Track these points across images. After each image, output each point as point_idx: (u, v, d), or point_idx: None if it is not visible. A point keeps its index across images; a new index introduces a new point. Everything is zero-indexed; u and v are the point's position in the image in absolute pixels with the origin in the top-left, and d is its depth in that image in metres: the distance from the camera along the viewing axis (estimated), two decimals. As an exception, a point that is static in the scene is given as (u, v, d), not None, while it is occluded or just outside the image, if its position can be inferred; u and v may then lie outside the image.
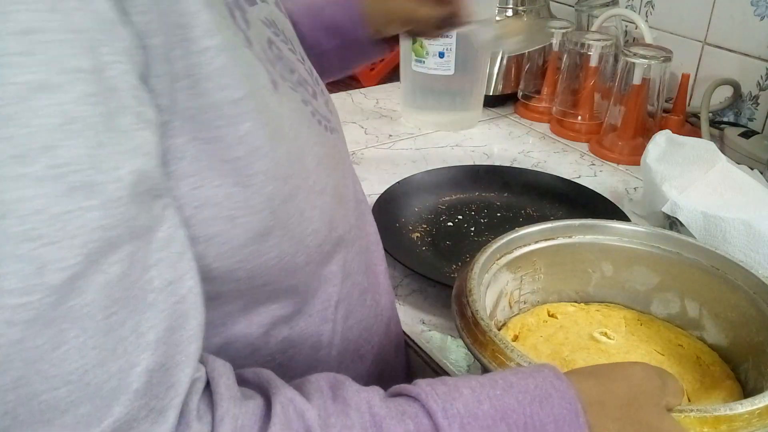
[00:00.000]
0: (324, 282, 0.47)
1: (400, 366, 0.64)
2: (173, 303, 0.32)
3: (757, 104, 1.10)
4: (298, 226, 0.41)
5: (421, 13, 0.71)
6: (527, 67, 1.26)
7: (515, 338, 0.63)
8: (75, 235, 0.28)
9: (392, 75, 1.46)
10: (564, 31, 1.20)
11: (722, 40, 1.12)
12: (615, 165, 1.09)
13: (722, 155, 0.85)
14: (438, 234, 0.87)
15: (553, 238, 0.65)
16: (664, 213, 0.79)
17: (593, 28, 1.20)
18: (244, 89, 0.36)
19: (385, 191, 0.91)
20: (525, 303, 0.67)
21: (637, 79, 1.05)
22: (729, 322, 0.61)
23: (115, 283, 0.29)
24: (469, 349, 0.52)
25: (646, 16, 1.21)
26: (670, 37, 1.17)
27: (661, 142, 0.88)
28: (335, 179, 0.46)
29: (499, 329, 0.62)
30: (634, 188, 1.02)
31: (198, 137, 0.34)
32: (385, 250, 0.61)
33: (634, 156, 1.07)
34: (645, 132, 1.09)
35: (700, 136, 1.04)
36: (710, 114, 1.10)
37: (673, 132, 0.91)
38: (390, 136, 1.18)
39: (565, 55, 1.18)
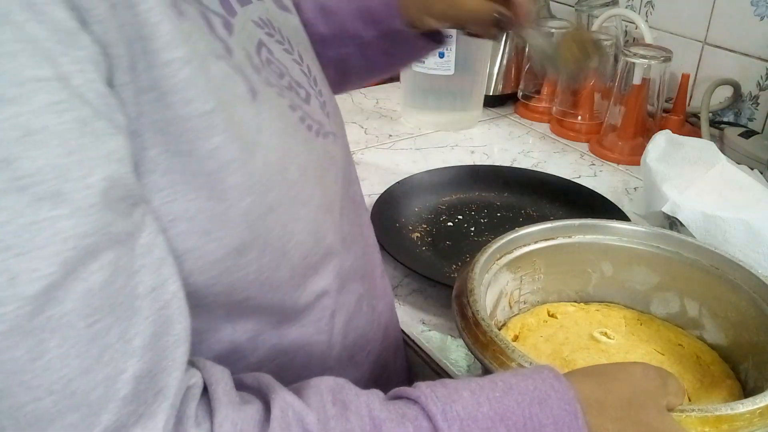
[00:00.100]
0: (316, 294, 0.46)
1: (400, 368, 0.64)
2: (158, 309, 0.32)
3: (757, 104, 1.10)
4: (280, 239, 0.40)
5: (467, 6, 0.65)
6: (527, 66, 1.26)
7: (515, 338, 0.63)
8: (46, 245, 0.28)
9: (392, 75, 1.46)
10: (564, 31, 1.20)
11: (722, 40, 1.12)
12: (615, 165, 1.09)
13: (722, 155, 0.85)
14: (438, 234, 0.87)
15: (553, 238, 0.65)
16: (664, 213, 0.79)
17: (593, 28, 1.20)
18: (213, 102, 0.35)
19: (385, 191, 0.91)
20: (525, 303, 0.67)
21: (637, 79, 1.05)
22: (729, 321, 0.61)
23: (97, 290, 0.29)
24: (469, 350, 0.52)
25: (646, 16, 1.21)
26: (670, 37, 1.17)
27: (661, 142, 0.88)
28: (323, 187, 0.45)
29: (499, 329, 0.62)
30: (634, 188, 1.02)
31: (169, 150, 0.34)
32: (386, 250, 0.61)
33: (634, 156, 1.07)
34: (645, 132, 1.09)
35: (700, 136, 1.04)
36: (710, 114, 1.10)
37: (673, 132, 0.91)
38: (390, 136, 1.18)
39: (565, 55, 1.18)
